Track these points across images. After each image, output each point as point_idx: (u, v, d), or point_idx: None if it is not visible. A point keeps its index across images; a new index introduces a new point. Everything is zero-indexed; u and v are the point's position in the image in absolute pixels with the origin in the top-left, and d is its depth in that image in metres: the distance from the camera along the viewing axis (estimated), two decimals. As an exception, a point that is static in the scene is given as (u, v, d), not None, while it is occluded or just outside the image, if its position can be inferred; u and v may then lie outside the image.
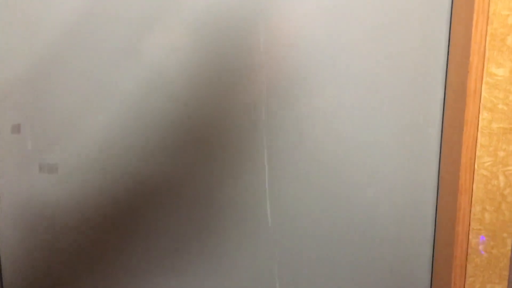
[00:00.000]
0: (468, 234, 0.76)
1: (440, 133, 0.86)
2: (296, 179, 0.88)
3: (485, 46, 0.71)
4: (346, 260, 0.91)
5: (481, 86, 0.72)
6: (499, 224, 0.76)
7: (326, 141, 0.87)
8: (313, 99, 0.85)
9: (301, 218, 0.90)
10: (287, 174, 0.88)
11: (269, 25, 0.83)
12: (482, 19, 0.70)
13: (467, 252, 0.77)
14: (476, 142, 0.74)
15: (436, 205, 0.88)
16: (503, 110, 0.73)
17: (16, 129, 0.87)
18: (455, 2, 0.80)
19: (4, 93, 0.87)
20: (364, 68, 0.84)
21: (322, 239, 0.90)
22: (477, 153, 0.74)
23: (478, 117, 0.73)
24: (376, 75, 0.84)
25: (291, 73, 0.85)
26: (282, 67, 0.84)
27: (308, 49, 0.84)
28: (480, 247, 0.77)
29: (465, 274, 0.77)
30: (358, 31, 0.83)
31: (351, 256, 0.91)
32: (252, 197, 0.89)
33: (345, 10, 0.82)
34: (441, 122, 0.85)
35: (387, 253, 0.90)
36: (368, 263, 0.91)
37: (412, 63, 0.84)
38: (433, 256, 0.90)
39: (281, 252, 0.91)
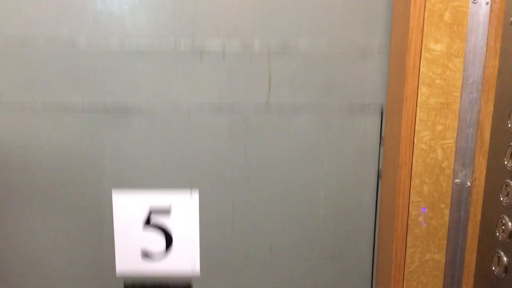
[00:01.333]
0: (408, 206, 0.79)
1: (380, 111, 0.87)
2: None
3: (423, 22, 0.72)
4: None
5: (420, 62, 0.74)
6: (437, 196, 0.78)
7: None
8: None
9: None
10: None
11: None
12: (420, -6, 0.71)
13: (407, 223, 0.79)
14: (415, 117, 0.76)
15: (378, 179, 0.90)
16: (440, 85, 0.74)
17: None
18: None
19: None
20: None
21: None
22: (416, 127, 0.76)
23: (417, 92, 0.75)
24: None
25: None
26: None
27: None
28: (421, 219, 0.79)
29: (406, 245, 0.80)
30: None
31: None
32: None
33: None
34: (383, 97, 0.87)
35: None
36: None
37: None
38: (375, 230, 0.92)
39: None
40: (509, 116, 0.68)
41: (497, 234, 0.71)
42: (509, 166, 0.68)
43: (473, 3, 0.72)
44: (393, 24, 0.82)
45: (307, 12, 0.83)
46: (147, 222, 0.91)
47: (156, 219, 0.91)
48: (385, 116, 0.87)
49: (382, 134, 0.88)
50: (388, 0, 0.82)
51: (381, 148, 0.89)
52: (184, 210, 0.91)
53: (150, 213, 0.90)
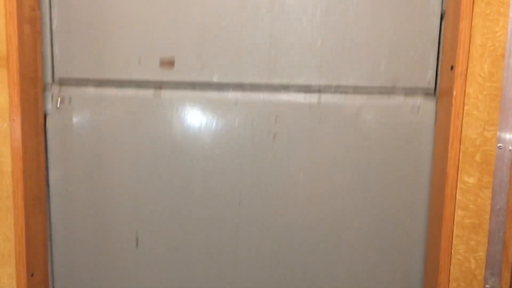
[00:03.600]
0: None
1: (425, 229, 1.06)
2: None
3: (458, 160, 0.93)
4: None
5: (456, 191, 0.94)
6: (471, 298, 0.96)
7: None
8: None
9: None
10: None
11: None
12: (456, 141, 0.92)
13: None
14: (452, 233, 0.95)
15: (423, 284, 1.08)
16: (473, 209, 0.94)
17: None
18: (437, 128, 1.01)
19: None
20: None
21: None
22: (454, 241, 0.95)
23: (454, 214, 0.95)
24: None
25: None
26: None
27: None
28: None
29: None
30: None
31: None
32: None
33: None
34: (426, 220, 1.06)
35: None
36: None
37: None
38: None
39: None
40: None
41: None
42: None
43: (499, 148, 0.92)
44: (434, 162, 1.02)
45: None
46: None
47: None
48: (428, 233, 1.06)
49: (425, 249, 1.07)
50: (430, 149, 1.03)
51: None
52: None
53: None
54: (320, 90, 1.03)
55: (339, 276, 1.09)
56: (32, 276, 1.00)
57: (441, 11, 0.99)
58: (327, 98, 1.03)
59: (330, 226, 1.07)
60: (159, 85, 1.05)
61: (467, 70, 0.91)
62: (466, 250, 0.95)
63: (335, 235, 1.08)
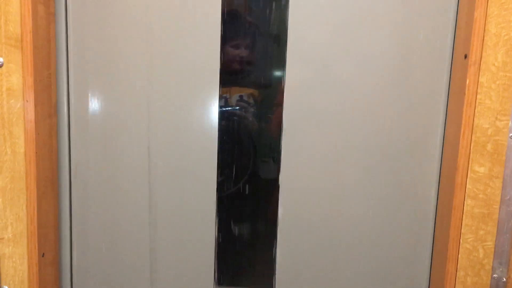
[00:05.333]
0: (454, 293, 0.97)
1: (434, 218, 1.06)
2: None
3: (470, 150, 0.93)
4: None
5: (466, 180, 0.94)
6: (478, 286, 0.97)
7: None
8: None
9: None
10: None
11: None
12: (468, 130, 0.92)
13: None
14: (461, 222, 0.95)
15: (430, 272, 1.09)
16: (483, 198, 0.94)
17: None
18: (448, 117, 1.01)
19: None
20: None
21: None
22: (462, 230, 0.95)
23: (464, 203, 0.95)
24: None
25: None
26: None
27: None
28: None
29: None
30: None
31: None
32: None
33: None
34: (435, 209, 1.06)
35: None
36: None
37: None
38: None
39: None
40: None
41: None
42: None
43: (510, 138, 0.92)
44: (445, 151, 1.02)
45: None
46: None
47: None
48: (436, 221, 1.06)
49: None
50: (440, 134, 1.03)
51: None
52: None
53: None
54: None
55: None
56: (43, 256, 1.02)
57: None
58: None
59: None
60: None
61: (480, 59, 0.90)
62: (475, 240, 0.96)
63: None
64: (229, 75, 1.07)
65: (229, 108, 1.09)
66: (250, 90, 1.09)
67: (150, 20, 1.04)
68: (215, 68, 1.04)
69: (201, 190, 1.09)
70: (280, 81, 1.05)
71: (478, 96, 0.91)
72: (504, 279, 0.95)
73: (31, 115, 0.96)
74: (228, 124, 1.09)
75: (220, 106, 1.06)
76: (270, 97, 1.09)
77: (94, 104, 1.06)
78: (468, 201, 0.95)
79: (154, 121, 1.06)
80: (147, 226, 1.10)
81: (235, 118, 1.09)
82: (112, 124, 1.07)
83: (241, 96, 1.09)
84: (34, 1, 0.94)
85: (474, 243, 0.96)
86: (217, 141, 1.07)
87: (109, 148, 1.08)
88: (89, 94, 1.06)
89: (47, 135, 1.01)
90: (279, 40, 1.05)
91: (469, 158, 0.93)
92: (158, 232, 1.11)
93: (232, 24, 1.05)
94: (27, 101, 0.95)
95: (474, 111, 0.92)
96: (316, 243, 1.10)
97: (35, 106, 0.96)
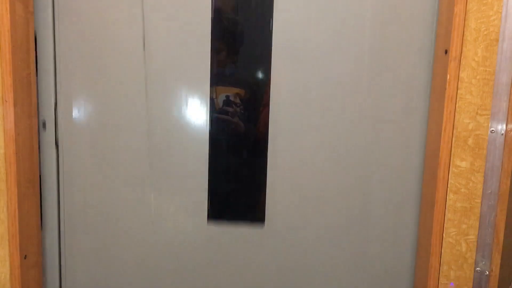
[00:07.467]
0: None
1: (417, 212, 1.07)
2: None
3: (451, 145, 0.94)
4: None
5: (448, 175, 0.95)
6: (461, 280, 0.97)
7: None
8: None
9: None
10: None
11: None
12: (449, 125, 0.93)
13: (436, 301, 0.98)
14: (444, 217, 0.96)
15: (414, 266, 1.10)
16: (465, 193, 0.95)
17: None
18: (430, 112, 1.02)
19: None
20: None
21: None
22: (445, 225, 0.96)
23: (446, 198, 0.95)
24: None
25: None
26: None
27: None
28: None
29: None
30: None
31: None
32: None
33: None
34: (419, 202, 1.07)
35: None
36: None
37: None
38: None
39: None
40: (519, 225, 0.88)
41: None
42: (519, 264, 0.87)
43: (491, 132, 0.93)
44: (427, 146, 1.03)
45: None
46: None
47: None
48: (420, 216, 1.07)
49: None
50: (422, 130, 1.03)
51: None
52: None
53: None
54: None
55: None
56: (25, 258, 1.00)
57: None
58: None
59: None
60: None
61: (461, 54, 0.91)
62: (458, 234, 0.96)
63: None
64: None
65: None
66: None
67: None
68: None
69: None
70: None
71: (458, 91, 0.92)
72: (487, 272, 0.96)
73: (10, 115, 0.94)
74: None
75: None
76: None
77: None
78: (451, 196, 0.95)
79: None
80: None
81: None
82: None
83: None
84: (12, 0, 0.92)
85: (457, 237, 0.96)
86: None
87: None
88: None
89: (27, 136, 1.00)
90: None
91: (450, 153, 0.94)
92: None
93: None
94: (6, 101, 0.94)
95: (455, 106, 0.92)
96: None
97: (15, 106, 0.94)
